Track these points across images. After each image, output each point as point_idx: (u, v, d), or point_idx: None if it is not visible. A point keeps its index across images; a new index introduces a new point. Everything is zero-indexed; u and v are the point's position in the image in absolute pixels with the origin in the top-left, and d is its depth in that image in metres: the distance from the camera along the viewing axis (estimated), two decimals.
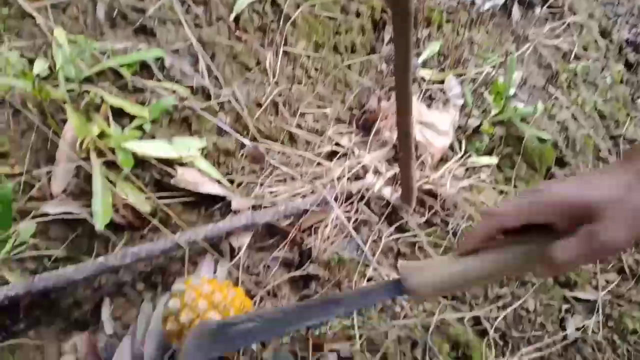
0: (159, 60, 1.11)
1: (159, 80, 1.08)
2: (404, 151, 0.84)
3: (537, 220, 0.46)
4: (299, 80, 1.25)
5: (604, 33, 1.83)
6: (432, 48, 1.46)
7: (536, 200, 0.46)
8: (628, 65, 2.00)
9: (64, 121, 0.92)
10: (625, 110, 1.64)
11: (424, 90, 1.35)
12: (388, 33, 1.47)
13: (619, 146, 1.45)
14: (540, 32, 1.62)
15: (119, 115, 1.01)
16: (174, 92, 1.07)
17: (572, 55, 1.60)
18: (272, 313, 0.72)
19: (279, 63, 1.23)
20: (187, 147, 1.02)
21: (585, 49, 1.67)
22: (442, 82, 1.39)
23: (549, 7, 1.71)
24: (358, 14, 1.42)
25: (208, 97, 1.11)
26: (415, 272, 0.53)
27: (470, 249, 0.50)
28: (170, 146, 1.01)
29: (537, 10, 1.69)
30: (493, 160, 1.26)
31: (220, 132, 1.10)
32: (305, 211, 1.01)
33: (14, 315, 0.88)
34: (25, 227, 0.89)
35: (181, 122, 1.07)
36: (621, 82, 1.76)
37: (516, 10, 1.64)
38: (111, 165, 0.94)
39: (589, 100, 1.49)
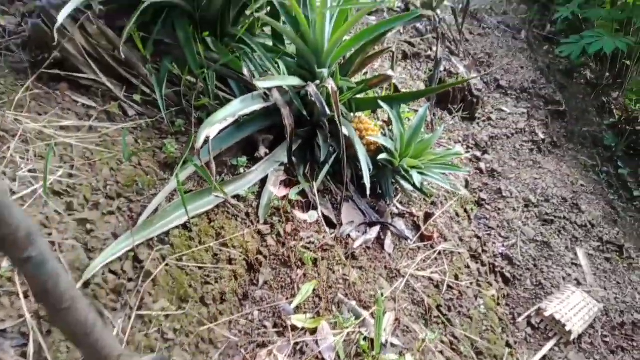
0: None
1: None
2: None
3: None
4: (152, 347, 1.15)
5: (475, 256, 1.98)
6: (306, 289, 1.46)
7: None
8: (505, 280, 2.14)
9: None
10: (504, 337, 1.67)
11: (292, 344, 1.29)
12: (263, 275, 1.47)
13: None
14: (413, 263, 1.71)
15: None
16: None
17: (445, 287, 1.68)
18: None
19: (129, 330, 1.14)
20: None
21: (456, 277, 1.77)
22: (314, 331, 1.35)
23: (420, 236, 1.85)
24: (231, 261, 1.42)
25: None
26: None
27: None
28: None
29: (410, 239, 1.82)
30: None
31: None
32: None
33: None
34: None
35: None
36: (498, 304, 1.84)
37: (389, 243, 1.74)
38: None
39: (464, 337, 1.51)
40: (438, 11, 3.28)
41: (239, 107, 1.46)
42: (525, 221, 2.65)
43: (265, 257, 1.50)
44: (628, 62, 4.09)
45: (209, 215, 1.48)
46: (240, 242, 1.47)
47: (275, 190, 1.38)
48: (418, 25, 3.46)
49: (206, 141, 1.29)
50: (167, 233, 1.35)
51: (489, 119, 3.31)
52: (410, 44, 3.23)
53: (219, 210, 1.50)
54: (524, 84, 3.89)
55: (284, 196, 1.60)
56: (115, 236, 1.28)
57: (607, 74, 4.29)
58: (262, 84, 1.44)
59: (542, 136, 3.51)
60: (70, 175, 1.35)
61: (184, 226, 1.40)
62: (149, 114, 1.65)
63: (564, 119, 3.87)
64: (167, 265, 1.30)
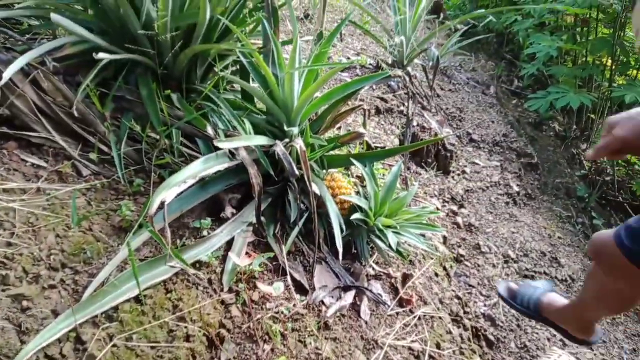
0: None
1: None
2: None
3: None
4: None
5: (456, 320, 1.87)
6: None
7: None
8: (489, 344, 2.02)
9: None
10: None
11: None
12: (225, 352, 1.32)
13: None
14: (392, 331, 1.59)
15: None
16: None
17: (426, 357, 1.55)
18: None
19: None
20: None
21: (438, 345, 1.64)
22: None
23: (399, 301, 1.74)
24: (188, 337, 1.27)
25: None
26: None
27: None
28: None
29: (388, 304, 1.70)
30: None
31: None
32: None
33: None
34: None
35: None
36: None
37: (365, 309, 1.63)
38: None
39: None
40: (409, 68, 3.36)
41: (201, 168, 1.37)
42: (505, 277, 2.57)
43: (228, 330, 1.36)
44: (593, 116, 4.24)
45: (166, 285, 1.34)
46: (201, 314, 1.32)
47: (237, 260, 1.26)
48: (390, 82, 3.53)
49: (162, 205, 1.19)
50: (116, 308, 1.21)
51: (463, 172, 3.32)
52: (383, 99, 3.27)
53: (178, 279, 1.37)
54: (495, 138, 3.96)
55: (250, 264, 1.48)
56: (56, 314, 1.13)
57: (574, 126, 4.43)
58: (225, 144, 1.37)
59: (516, 189, 3.52)
60: (9, 244, 1.21)
61: (137, 299, 1.26)
62: (106, 174, 1.54)
63: (536, 171, 3.92)
64: (114, 346, 1.14)
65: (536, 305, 1.72)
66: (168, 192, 1.19)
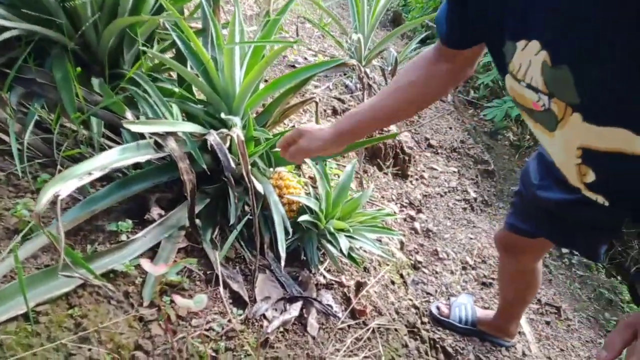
0: None
1: None
2: None
3: None
4: None
5: (413, 332, 1.72)
6: None
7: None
8: (447, 356, 1.89)
9: None
10: None
11: None
12: None
13: None
14: (342, 347, 1.42)
15: None
16: None
17: None
18: None
19: None
20: None
21: None
22: None
23: (351, 312, 1.57)
24: None
25: None
26: None
27: None
28: None
29: (339, 316, 1.53)
30: None
31: None
32: None
33: None
34: None
35: None
36: None
37: (313, 323, 1.44)
38: None
39: None
40: (367, 69, 3.25)
41: (115, 158, 1.15)
42: (464, 285, 2.47)
43: (146, 352, 1.13)
44: None
45: (69, 299, 1.11)
46: (111, 334, 1.10)
47: (150, 268, 1.05)
48: (348, 82, 3.41)
49: (55, 201, 0.96)
50: None
51: (422, 177, 3.22)
52: (340, 100, 3.13)
53: (85, 292, 1.14)
54: (453, 144, 3.92)
55: (180, 271, 1.27)
56: None
57: (528, 136, 4.48)
58: (138, 128, 1.16)
59: (473, 195, 3.47)
60: None
61: (26, 317, 1.02)
62: (5, 168, 1.29)
63: (493, 178, 3.90)
64: None
65: (474, 320, 1.98)
66: (65, 185, 0.96)
